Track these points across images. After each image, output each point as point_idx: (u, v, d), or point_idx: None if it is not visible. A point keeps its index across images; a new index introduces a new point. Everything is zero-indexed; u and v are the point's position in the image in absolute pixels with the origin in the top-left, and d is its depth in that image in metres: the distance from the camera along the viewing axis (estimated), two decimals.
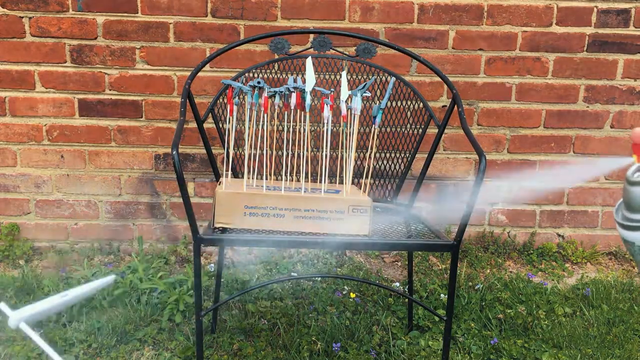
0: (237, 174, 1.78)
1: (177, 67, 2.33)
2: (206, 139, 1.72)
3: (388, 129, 1.85)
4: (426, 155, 1.79)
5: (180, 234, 2.48)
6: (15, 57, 2.29)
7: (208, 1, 2.28)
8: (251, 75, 1.84)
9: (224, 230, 1.38)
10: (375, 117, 1.52)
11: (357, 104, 1.46)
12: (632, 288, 2.25)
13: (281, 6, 2.29)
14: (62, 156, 2.39)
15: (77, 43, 2.30)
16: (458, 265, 1.80)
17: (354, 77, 2.01)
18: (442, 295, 2.10)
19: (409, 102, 1.83)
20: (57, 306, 0.94)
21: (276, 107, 1.47)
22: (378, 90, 2.26)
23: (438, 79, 2.39)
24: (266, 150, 1.49)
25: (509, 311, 2.00)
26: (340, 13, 2.32)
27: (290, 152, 1.58)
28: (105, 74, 2.33)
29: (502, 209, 2.55)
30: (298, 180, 1.58)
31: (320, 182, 1.53)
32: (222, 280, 2.11)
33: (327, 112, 1.43)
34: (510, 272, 2.40)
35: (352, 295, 2.09)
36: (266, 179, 1.47)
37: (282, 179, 1.51)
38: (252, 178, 1.50)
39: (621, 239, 0.54)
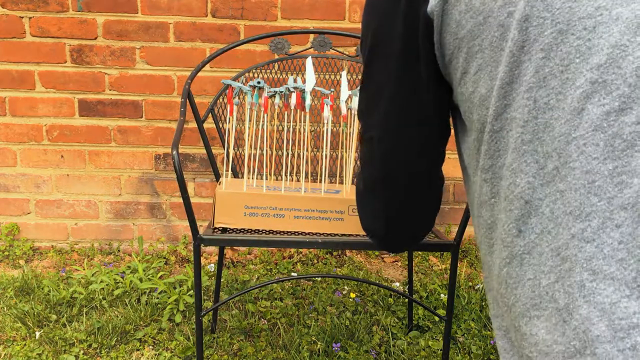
0: (237, 174, 1.78)
1: (177, 67, 2.33)
2: (206, 139, 1.72)
3: None
4: None
5: (180, 234, 2.48)
6: (15, 57, 2.29)
7: (208, 1, 2.28)
8: (251, 75, 1.84)
9: (224, 230, 1.38)
10: None
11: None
12: None
13: (281, 6, 2.29)
14: (62, 156, 2.39)
15: (77, 43, 2.30)
16: (458, 265, 1.80)
17: (354, 77, 2.01)
18: (442, 295, 2.10)
19: None
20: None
21: (276, 107, 1.47)
22: None
23: None
24: (266, 150, 1.49)
25: None
26: (340, 13, 2.31)
27: (290, 152, 1.58)
28: (105, 74, 2.33)
29: None
30: (298, 180, 1.58)
31: (320, 182, 1.53)
32: (222, 280, 2.11)
33: (327, 112, 1.43)
34: None
35: (352, 295, 2.09)
36: (266, 179, 1.47)
37: (282, 179, 1.51)
38: (252, 178, 1.50)
39: None
